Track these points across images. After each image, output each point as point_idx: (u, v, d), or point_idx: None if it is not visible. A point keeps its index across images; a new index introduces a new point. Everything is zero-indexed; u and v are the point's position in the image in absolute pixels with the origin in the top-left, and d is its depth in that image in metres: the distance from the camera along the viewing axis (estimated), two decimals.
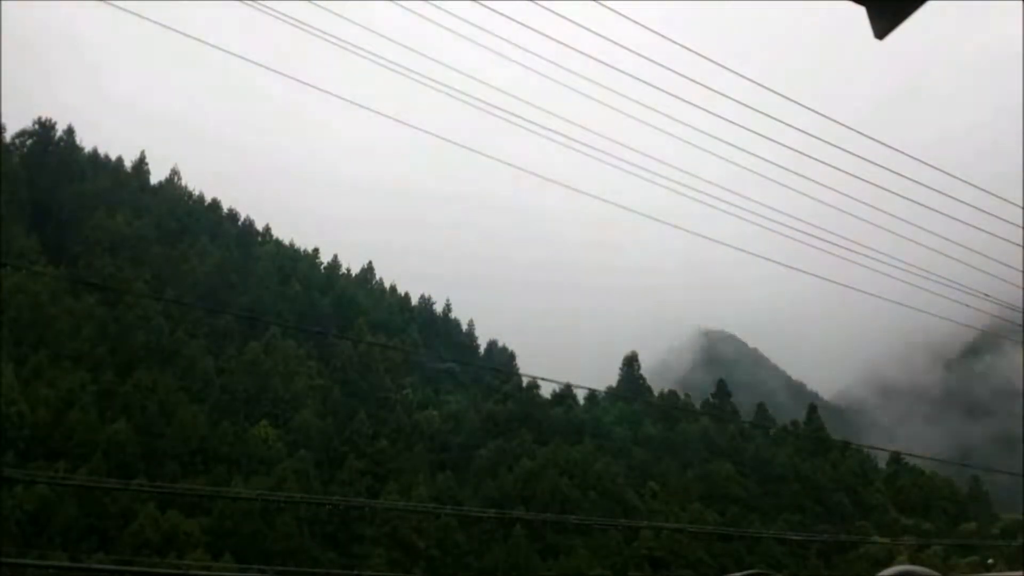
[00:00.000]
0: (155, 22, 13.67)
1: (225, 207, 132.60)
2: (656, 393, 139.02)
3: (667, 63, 12.41)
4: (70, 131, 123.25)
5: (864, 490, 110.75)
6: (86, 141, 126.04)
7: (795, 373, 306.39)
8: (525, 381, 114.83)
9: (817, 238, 18.62)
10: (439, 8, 12.11)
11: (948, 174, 16.22)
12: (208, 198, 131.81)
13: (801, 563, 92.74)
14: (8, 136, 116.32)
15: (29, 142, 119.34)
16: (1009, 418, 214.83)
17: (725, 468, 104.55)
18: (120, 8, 11.88)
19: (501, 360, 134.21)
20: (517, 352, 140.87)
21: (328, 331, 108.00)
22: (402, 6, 12.07)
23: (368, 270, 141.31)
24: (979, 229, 18.02)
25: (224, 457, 79.18)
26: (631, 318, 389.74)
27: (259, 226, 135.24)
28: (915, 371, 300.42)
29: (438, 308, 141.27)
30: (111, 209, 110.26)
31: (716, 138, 15.79)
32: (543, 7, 10.76)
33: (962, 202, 17.13)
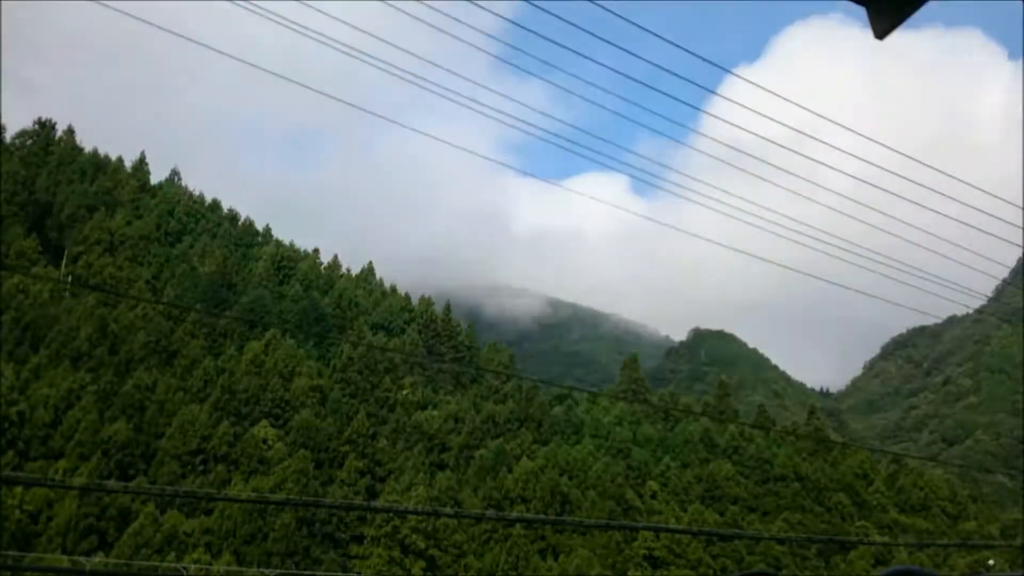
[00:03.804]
0: (153, 24, 13.65)
1: (225, 207, 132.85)
2: (656, 393, 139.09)
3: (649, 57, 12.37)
4: (70, 131, 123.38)
5: (864, 490, 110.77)
6: (86, 141, 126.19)
7: (795, 373, 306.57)
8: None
9: (815, 239, 18.62)
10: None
11: (947, 174, 16.20)
12: (208, 198, 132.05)
13: (801, 563, 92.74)
14: (8, 136, 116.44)
15: (29, 142, 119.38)
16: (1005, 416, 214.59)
17: (725, 468, 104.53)
18: (117, 9, 11.87)
19: (501, 360, 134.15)
20: None
21: (328, 331, 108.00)
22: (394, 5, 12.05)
23: (368, 270, 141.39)
24: (979, 230, 18.00)
25: (224, 457, 79.15)
26: (632, 318, 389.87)
27: (259, 226, 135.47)
28: (914, 370, 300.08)
29: (438, 308, 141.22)
30: (111, 209, 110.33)
31: (714, 139, 15.78)
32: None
33: (962, 203, 17.12)
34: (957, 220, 17.67)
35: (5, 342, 78.96)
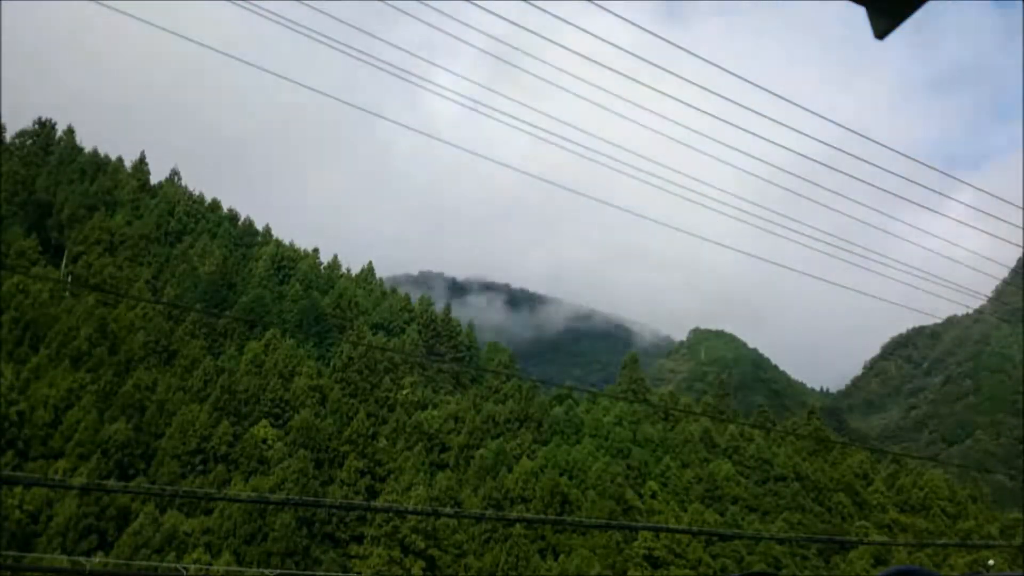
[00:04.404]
0: (154, 25, 13.64)
1: (225, 207, 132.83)
2: (656, 393, 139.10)
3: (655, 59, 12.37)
4: (70, 131, 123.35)
5: (864, 490, 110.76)
6: (86, 141, 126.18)
7: (795, 373, 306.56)
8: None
9: (815, 239, 18.62)
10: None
11: (948, 175, 16.20)
12: (208, 198, 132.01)
13: (801, 563, 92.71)
14: (8, 136, 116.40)
15: (29, 142, 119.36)
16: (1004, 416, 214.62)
17: (725, 468, 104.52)
18: (117, 9, 11.86)
19: (501, 360, 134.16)
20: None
21: (328, 331, 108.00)
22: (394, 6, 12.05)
23: (368, 270, 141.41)
24: (979, 230, 18.00)
25: (224, 457, 79.14)
26: (632, 317, 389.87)
27: (259, 226, 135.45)
28: (914, 370, 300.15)
29: (438, 308, 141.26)
30: (111, 209, 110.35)
31: (714, 139, 15.77)
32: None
33: (962, 203, 17.11)
34: (957, 220, 17.67)
35: (5, 342, 78.95)
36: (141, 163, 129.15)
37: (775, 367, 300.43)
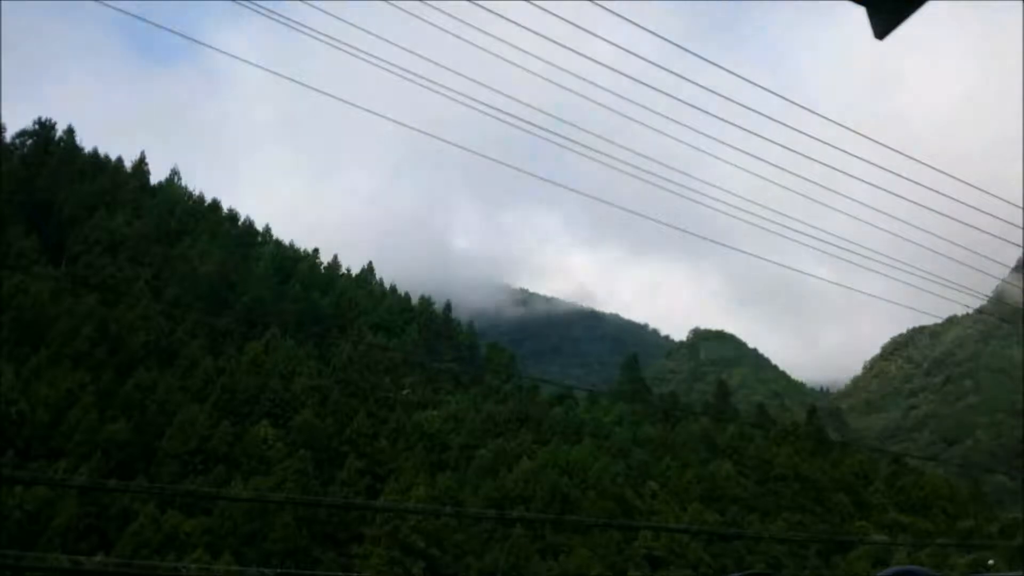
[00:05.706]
0: (152, 23, 13.62)
1: (225, 207, 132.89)
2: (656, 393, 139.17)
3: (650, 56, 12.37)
4: (70, 131, 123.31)
5: (864, 490, 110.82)
6: (86, 141, 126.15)
7: (795, 373, 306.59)
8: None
9: (815, 238, 18.64)
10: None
11: (946, 174, 16.21)
12: (208, 198, 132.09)
13: (801, 563, 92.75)
14: (8, 136, 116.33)
15: (29, 142, 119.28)
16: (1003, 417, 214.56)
17: (725, 468, 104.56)
18: (118, 9, 11.87)
19: (501, 361, 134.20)
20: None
21: (328, 331, 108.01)
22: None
23: (368, 270, 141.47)
24: (979, 230, 18.02)
25: (224, 457, 79.14)
26: (632, 318, 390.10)
27: (259, 226, 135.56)
28: (914, 370, 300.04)
29: (438, 308, 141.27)
30: (111, 209, 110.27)
31: (717, 140, 15.79)
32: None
33: (961, 202, 17.12)
34: (957, 220, 17.67)
35: (5, 342, 78.92)
36: (141, 163, 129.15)
37: (775, 367, 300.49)
